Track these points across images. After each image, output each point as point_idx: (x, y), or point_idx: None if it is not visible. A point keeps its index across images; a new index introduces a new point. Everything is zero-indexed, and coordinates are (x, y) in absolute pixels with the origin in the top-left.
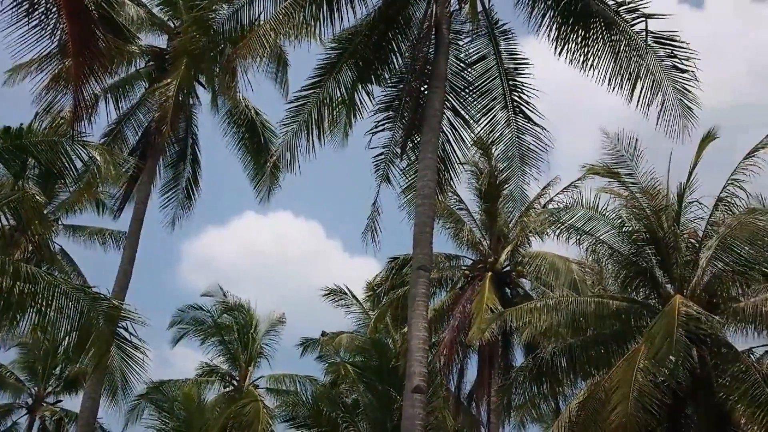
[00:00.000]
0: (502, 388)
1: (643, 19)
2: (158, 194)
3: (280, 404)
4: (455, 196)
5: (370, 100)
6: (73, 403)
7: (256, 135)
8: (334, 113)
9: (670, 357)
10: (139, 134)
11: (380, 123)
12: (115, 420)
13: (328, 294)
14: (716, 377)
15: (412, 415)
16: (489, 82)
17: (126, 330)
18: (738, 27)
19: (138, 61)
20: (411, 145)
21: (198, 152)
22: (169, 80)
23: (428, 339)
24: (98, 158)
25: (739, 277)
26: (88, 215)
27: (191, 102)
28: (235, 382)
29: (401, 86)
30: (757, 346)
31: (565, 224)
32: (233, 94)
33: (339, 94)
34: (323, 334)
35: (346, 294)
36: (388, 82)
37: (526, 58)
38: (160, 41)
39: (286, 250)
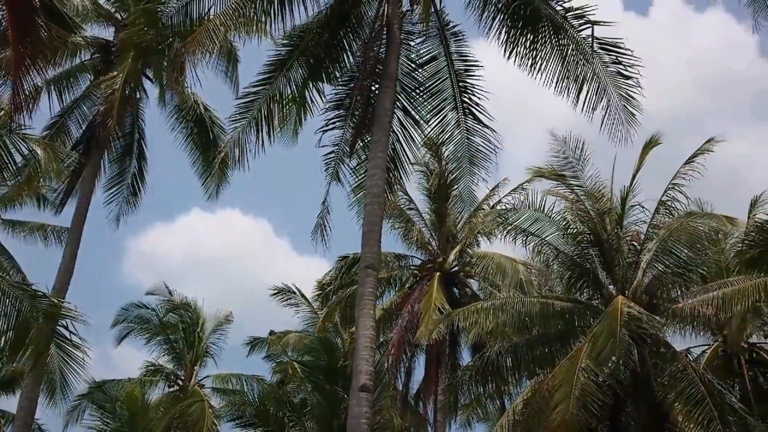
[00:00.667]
0: (448, 387)
1: (590, 25)
2: (102, 189)
3: (226, 404)
4: (405, 196)
5: (321, 98)
6: (9, 403)
7: (204, 131)
8: (285, 110)
9: (612, 357)
10: (84, 128)
11: (331, 121)
12: (55, 421)
13: (277, 293)
14: (655, 376)
15: (358, 414)
16: (439, 83)
17: (66, 328)
18: (680, 35)
19: (83, 52)
20: (361, 144)
21: (144, 147)
22: (115, 73)
23: (375, 338)
24: (39, 152)
25: (678, 278)
26: (28, 210)
27: (138, 96)
28: (180, 382)
29: (352, 85)
30: (695, 346)
31: (513, 225)
32: (182, 89)
33: (289, 92)
34: (271, 333)
35: (294, 293)
36: (339, 80)
37: (476, 60)
38: (107, 33)
39: (233, 249)
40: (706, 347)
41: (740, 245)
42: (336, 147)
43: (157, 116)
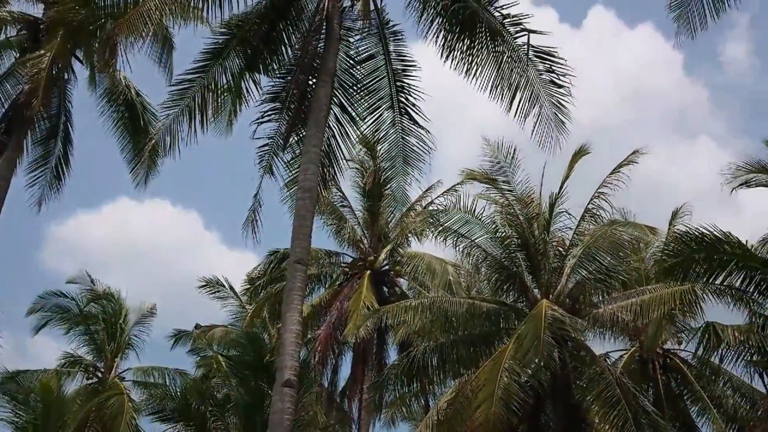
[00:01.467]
0: (374, 385)
1: (526, 33)
2: (24, 172)
3: (147, 397)
4: (339, 193)
5: (257, 90)
6: None
7: (135, 117)
8: (219, 100)
9: (536, 358)
10: (6, 107)
11: (266, 113)
12: None
13: (205, 285)
14: (575, 379)
15: (281, 410)
16: (377, 81)
17: None
18: (612, 49)
19: (8, 28)
20: (296, 139)
21: (71, 130)
22: (42, 52)
23: (302, 333)
24: None
25: (600, 284)
26: None
27: (67, 77)
28: (99, 374)
29: (289, 78)
30: (613, 351)
31: (444, 226)
32: (113, 72)
33: (225, 81)
34: (197, 326)
35: (223, 286)
36: (277, 72)
37: (414, 61)
38: (35, 10)
39: (161, 240)
40: (624, 352)
41: (660, 254)
42: (270, 140)
43: (85, 99)
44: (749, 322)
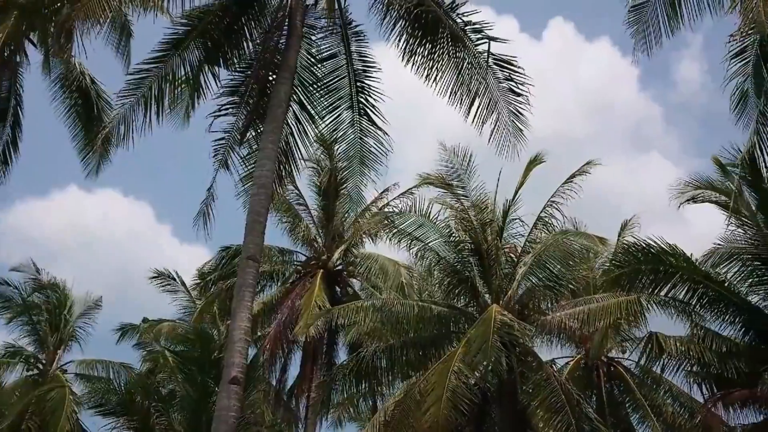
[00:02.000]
0: (322, 385)
1: (487, 40)
2: None
3: (90, 391)
4: (295, 191)
5: (216, 83)
6: None
7: (89, 104)
8: (177, 91)
9: (484, 362)
10: None
11: (224, 107)
12: None
13: (156, 277)
14: (521, 384)
15: (226, 407)
16: (337, 81)
17: None
18: (570, 61)
19: None
20: (253, 134)
21: (21, 115)
22: None
23: (251, 331)
24: None
25: (549, 292)
26: None
27: (19, 60)
28: (40, 366)
29: (249, 73)
30: (559, 358)
31: (398, 229)
32: (68, 57)
33: (183, 73)
34: (144, 320)
35: (174, 279)
36: (237, 66)
37: (375, 62)
38: None
39: (111, 230)
40: (570, 359)
41: (608, 265)
42: (227, 134)
43: (38, 83)
44: (690, 333)
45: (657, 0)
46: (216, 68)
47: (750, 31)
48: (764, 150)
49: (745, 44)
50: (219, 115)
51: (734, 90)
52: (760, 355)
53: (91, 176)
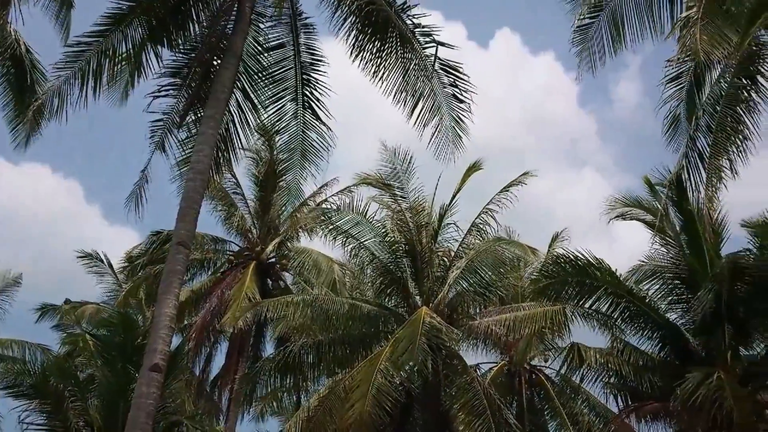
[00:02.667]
0: (246, 377)
1: (435, 45)
2: None
3: (2, 371)
4: (233, 180)
5: (158, 63)
6: None
7: (23, 73)
8: (116, 68)
9: (410, 363)
10: None
11: (164, 88)
12: None
13: (84, 257)
14: (445, 386)
15: (145, 394)
16: (283, 72)
17: None
18: (514, 73)
19: None
20: (194, 118)
21: None
22: None
23: (176, 318)
24: None
25: (478, 297)
26: None
27: None
28: None
29: (193, 55)
30: (484, 363)
31: (335, 226)
32: (3, 24)
33: (125, 49)
34: (67, 301)
35: (101, 261)
36: (181, 48)
37: (323, 56)
38: None
39: (37, 207)
40: (494, 364)
41: (537, 274)
42: (165, 116)
43: None
44: (610, 346)
45: (602, 21)
46: (159, 48)
47: (686, 58)
48: (691, 174)
49: (681, 70)
50: (159, 96)
51: (667, 113)
52: (674, 370)
53: (20, 148)
